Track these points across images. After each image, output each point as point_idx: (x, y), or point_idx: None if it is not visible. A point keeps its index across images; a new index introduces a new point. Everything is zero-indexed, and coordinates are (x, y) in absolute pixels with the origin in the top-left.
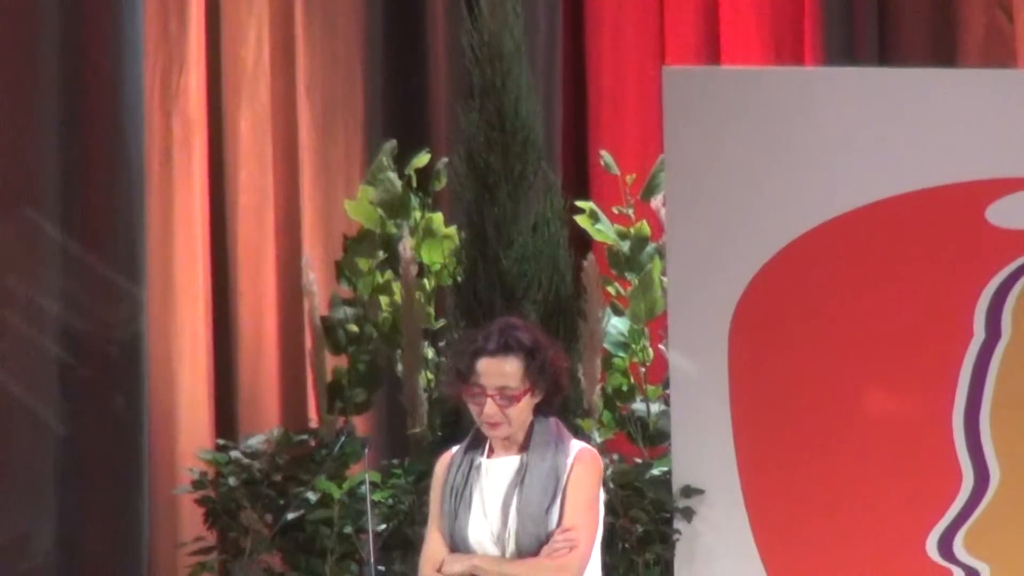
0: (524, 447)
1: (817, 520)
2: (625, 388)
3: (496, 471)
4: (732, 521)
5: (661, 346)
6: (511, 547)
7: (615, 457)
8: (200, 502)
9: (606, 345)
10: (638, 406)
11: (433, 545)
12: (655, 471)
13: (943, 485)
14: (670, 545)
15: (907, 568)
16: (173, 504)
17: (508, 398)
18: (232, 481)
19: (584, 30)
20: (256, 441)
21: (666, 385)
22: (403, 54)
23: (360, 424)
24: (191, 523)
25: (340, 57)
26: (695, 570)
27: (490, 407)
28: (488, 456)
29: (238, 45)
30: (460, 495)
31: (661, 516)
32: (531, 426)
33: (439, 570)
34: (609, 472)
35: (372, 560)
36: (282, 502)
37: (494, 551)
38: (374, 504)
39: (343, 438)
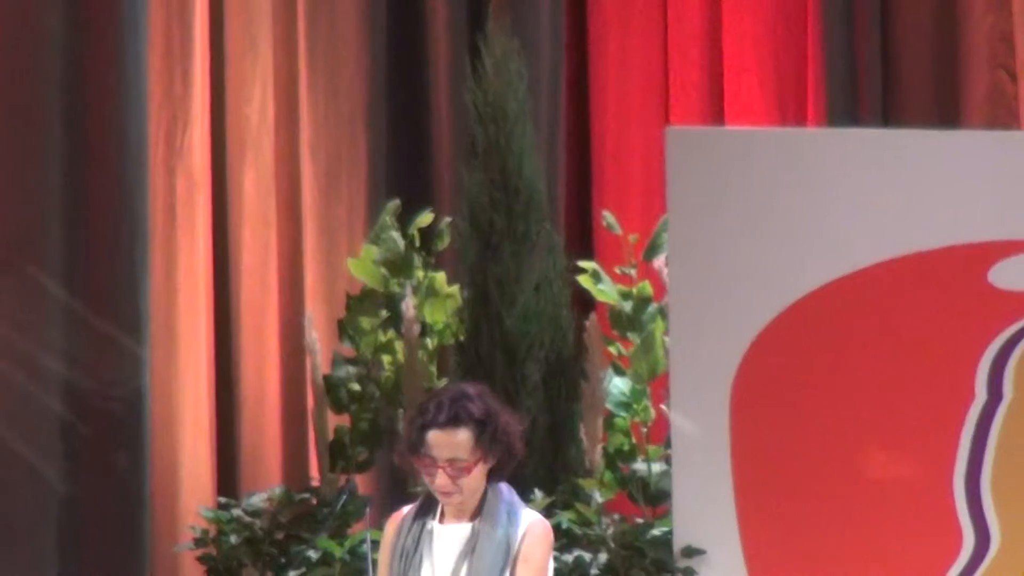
0: (476, 514)
1: None
2: (627, 448)
3: (447, 538)
4: None
5: (663, 406)
6: None
7: (616, 517)
8: (201, 560)
9: (608, 405)
10: (639, 466)
11: None
12: (656, 531)
13: (944, 546)
14: None
15: None
16: (174, 562)
17: (459, 469)
18: (233, 539)
19: (588, 90)
20: (258, 499)
21: (667, 445)
22: (407, 113)
23: (362, 483)
24: None
25: (344, 116)
26: None
27: (441, 478)
28: (440, 521)
29: (242, 103)
30: (410, 558)
31: None
32: (484, 493)
33: None
34: (610, 532)
35: None
36: (283, 560)
37: None
38: (374, 563)
39: (345, 497)
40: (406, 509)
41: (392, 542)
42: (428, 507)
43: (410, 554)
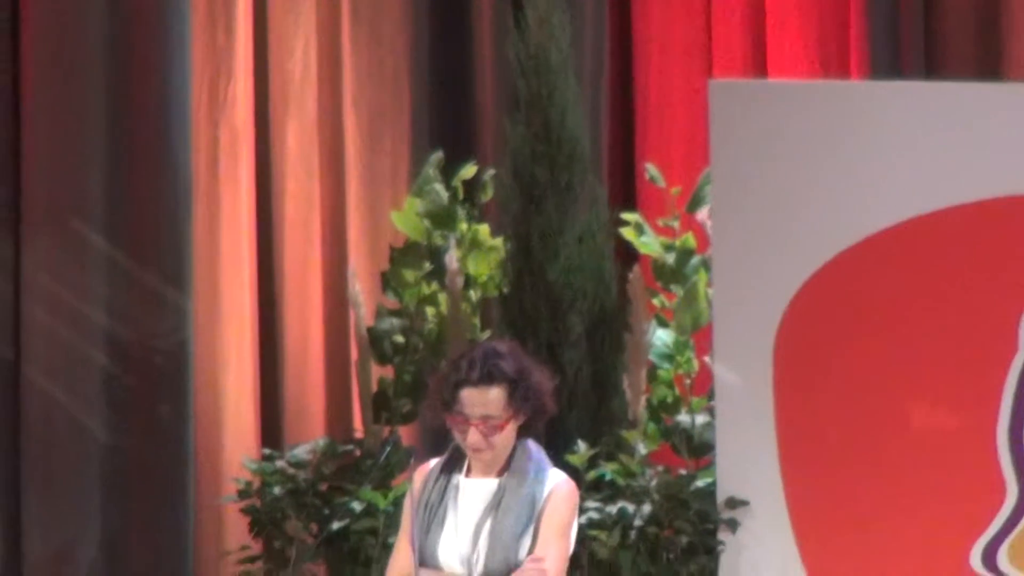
0: (503, 470)
1: (861, 532)
2: (670, 400)
3: (472, 492)
4: (776, 533)
5: (706, 358)
6: (479, 570)
7: (660, 468)
8: (245, 511)
9: (651, 357)
10: (683, 418)
11: (401, 557)
12: (699, 483)
13: (987, 498)
14: (714, 557)
15: None
16: (218, 513)
17: (491, 427)
18: (277, 491)
19: (631, 42)
20: (301, 451)
21: (711, 397)
22: (450, 66)
23: (405, 434)
24: (236, 532)
25: (387, 68)
26: None
27: (473, 435)
28: (466, 475)
29: (285, 56)
30: (434, 511)
31: (705, 528)
32: (513, 449)
33: None
34: (654, 483)
35: (415, 570)
36: (327, 512)
37: (461, 572)
38: None
39: (388, 448)
40: (433, 462)
41: (418, 494)
42: (455, 460)
43: (435, 506)
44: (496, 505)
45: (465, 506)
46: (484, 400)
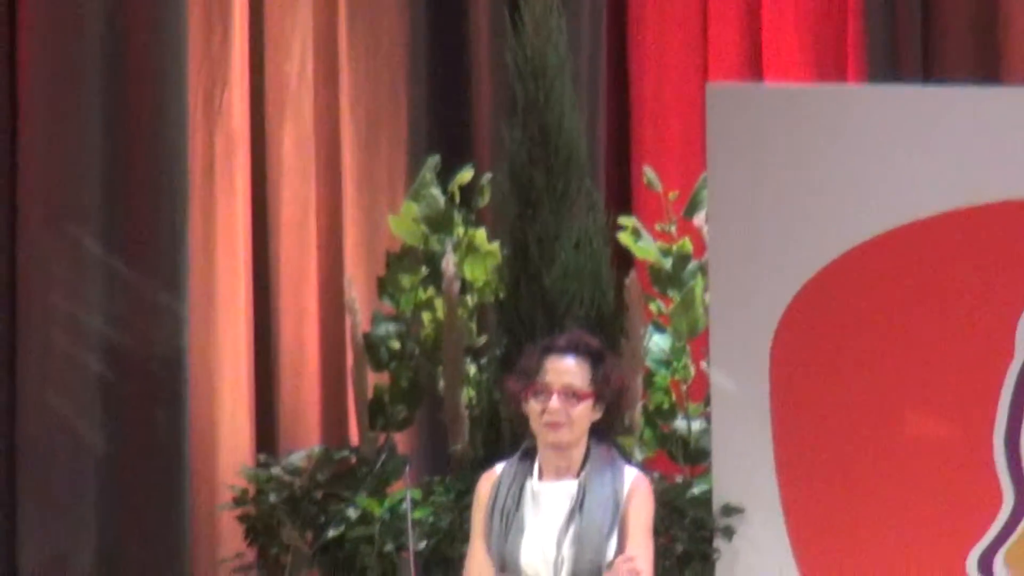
0: (579, 471)
1: (857, 539)
2: (666, 406)
3: (551, 495)
4: (773, 540)
5: (703, 364)
6: (565, 572)
7: (656, 475)
8: (240, 519)
9: (648, 363)
10: (679, 424)
11: (479, 563)
12: (696, 490)
13: (984, 504)
14: (710, 564)
15: None
16: (213, 521)
17: (573, 395)
18: (272, 498)
19: (627, 46)
20: (297, 458)
21: (707, 403)
22: (447, 69)
23: (401, 441)
24: (231, 540)
25: (384, 72)
26: None
27: (555, 403)
28: (540, 479)
29: (282, 60)
30: (511, 517)
31: (701, 535)
32: (586, 451)
33: None
34: None
35: None
36: (322, 519)
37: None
38: (415, 522)
39: (384, 455)
40: (500, 467)
41: (489, 501)
42: (525, 465)
43: (511, 513)
44: (579, 507)
45: (546, 510)
46: (568, 368)
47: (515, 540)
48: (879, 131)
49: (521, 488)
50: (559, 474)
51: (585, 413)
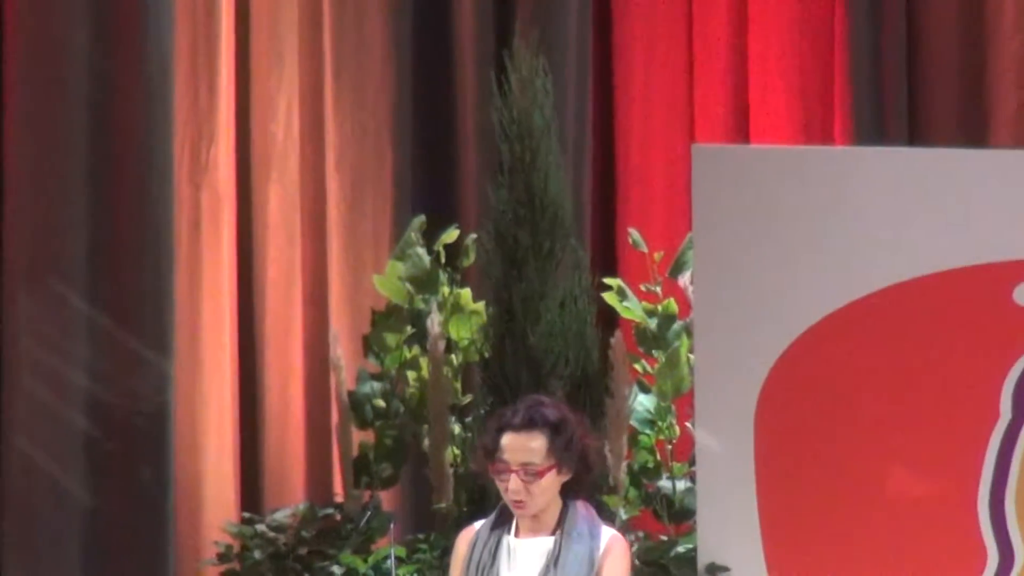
0: (555, 529)
1: None
2: (651, 465)
3: (526, 552)
4: None
5: (688, 424)
6: None
7: (640, 534)
8: (225, 575)
9: (633, 422)
10: (664, 483)
11: None
12: (680, 548)
13: (969, 565)
14: None
15: None
16: None
17: (532, 474)
18: (257, 554)
19: (613, 107)
20: (282, 515)
21: (692, 463)
22: (432, 130)
23: (386, 499)
24: None
25: (370, 131)
26: None
27: (515, 483)
28: (516, 535)
29: (268, 119)
30: (486, 572)
31: None
32: (563, 509)
33: None
34: (635, 549)
35: None
36: None
37: None
38: None
39: (369, 513)
40: (478, 524)
41: (465, 557)
42: (502, 521)
43: (487, 568)
44: (554, 563)
45: (520, 567)
46: (526, 446)
47: None
48: (866, 193)
49: (497, 544)
50: (535, 531)
51: (549, 484)
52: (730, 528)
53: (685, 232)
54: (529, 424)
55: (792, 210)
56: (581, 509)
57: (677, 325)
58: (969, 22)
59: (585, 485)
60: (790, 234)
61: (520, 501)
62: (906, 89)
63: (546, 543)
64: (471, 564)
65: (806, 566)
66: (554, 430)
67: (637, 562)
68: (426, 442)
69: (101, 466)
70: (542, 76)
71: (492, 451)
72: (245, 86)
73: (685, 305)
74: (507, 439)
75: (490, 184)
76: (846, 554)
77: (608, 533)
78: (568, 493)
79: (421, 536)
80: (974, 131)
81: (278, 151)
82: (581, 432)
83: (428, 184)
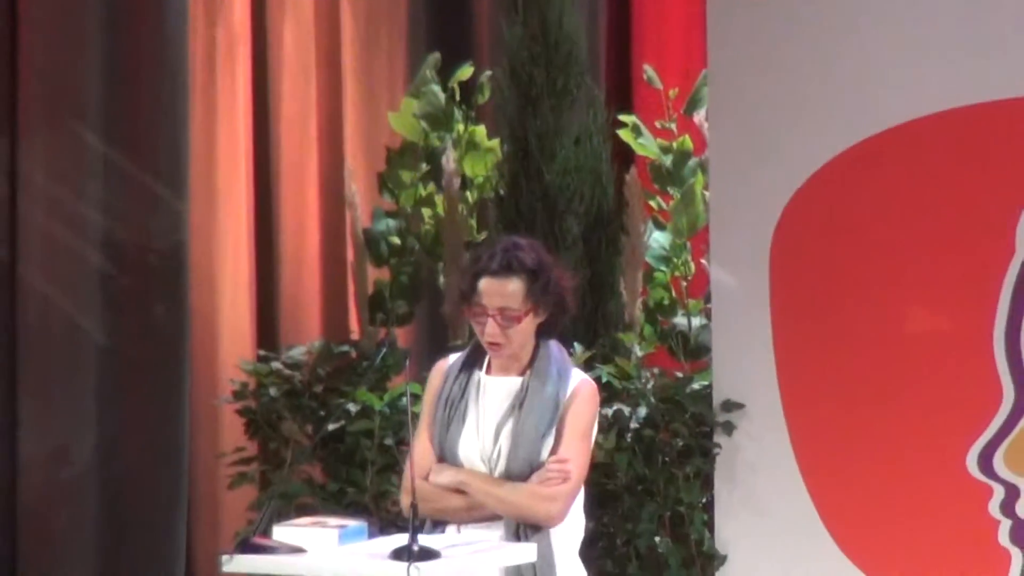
0: (525, 369)
1: (857, 435)
2: (666, 302)
3: (495, 389)
4: (772, 435)
5: (703, 260)
6: (500, 468)
7: (656, 371)
8: (241, 412)
9: (648, 259)
10: (679, 320)
11: (421, 452)
12: (696, 385)
13: (984, 401)
14: (710, 459)
15: (947, 483)
16: (214, 414)
17: (509, 319)
18: (273, 392)
19: None
20: (297, 352)
21: (707, 299)
22: None
23: (401, 336)
24: (232, 433)
25: None
26: (735, 484)
27: (491, 327)
28: (487, 372)
29: None
30: (455, 407)
31: (701, 430)
32: (535, 349)
33: (426, 478)
34: (650, 386)
35: (412, 472)
36: (323, 413)
37: (482, 469)
38: (415, 416)
39: (384, 350)
40: (452, 358)
41: (437, 389)
42: (475, 358)
43: (456, 402)
44: (519, 404)
45: (487, 404)
46: (502, 291)
47: (455, 430)
48: (882, 28)
49: (468, 379)
50: (506, 370)
51: (524, 328)
52: (745, 364)
53: (700, 69)
54: (507, 269)
55: (808, 46)
56: (554, 350)
57: (692, 162)
58: None
59: (557, 326)
60: (806, 70)
61: (496, 344)
62: None
63: (514, 383)
64: (441, 396)
65: (821, 402)
66: (531, 275)
67: (653, 399)
68: (441, 279)
69: (117, 304)
70: None
71: (468, 295)
72: None
73: (700, 142)
74: (484, 283)
75: (505, 21)
76: (860, 388)
77: (578, 377)
78: (542, 333)
79: None
80: None
81: None
82: (558, 274)
83: (442, 21)
